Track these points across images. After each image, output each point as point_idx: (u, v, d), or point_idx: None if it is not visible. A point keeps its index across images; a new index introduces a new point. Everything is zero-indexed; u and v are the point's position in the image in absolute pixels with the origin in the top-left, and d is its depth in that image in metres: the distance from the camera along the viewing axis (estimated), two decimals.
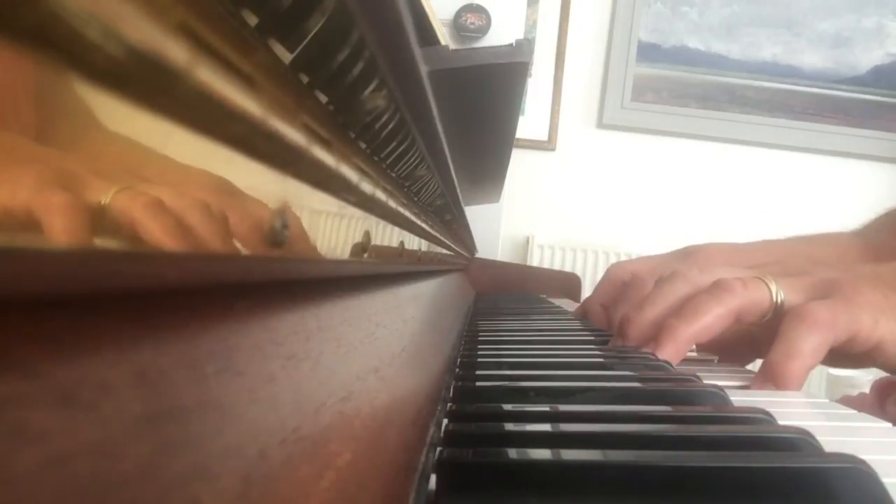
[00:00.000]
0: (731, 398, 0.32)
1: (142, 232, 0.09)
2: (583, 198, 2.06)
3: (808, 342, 0.41)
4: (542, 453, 0.22)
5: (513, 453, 0.22)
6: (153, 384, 0.10)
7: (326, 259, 0.20)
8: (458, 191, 0.60)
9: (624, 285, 0.62)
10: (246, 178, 0.13)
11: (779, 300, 0.46)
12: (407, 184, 0.37)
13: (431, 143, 0.35)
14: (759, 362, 0.44)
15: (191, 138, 0.11)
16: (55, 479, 0.07)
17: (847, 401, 0.49)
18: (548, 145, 2.03)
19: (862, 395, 0.66)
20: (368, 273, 0.32)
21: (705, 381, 0.35)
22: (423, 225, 0.44)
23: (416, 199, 0.42)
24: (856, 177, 2.05)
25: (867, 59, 2.05)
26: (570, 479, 0.20)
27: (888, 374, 0.54)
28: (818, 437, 0.24)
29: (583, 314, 0.74)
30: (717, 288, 0.47)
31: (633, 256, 1.38)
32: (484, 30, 1.89)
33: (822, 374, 1.71)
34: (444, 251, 0.67)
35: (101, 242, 0.09)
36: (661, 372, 0.39)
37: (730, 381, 0.43)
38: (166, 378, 0.10)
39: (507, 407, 0.29)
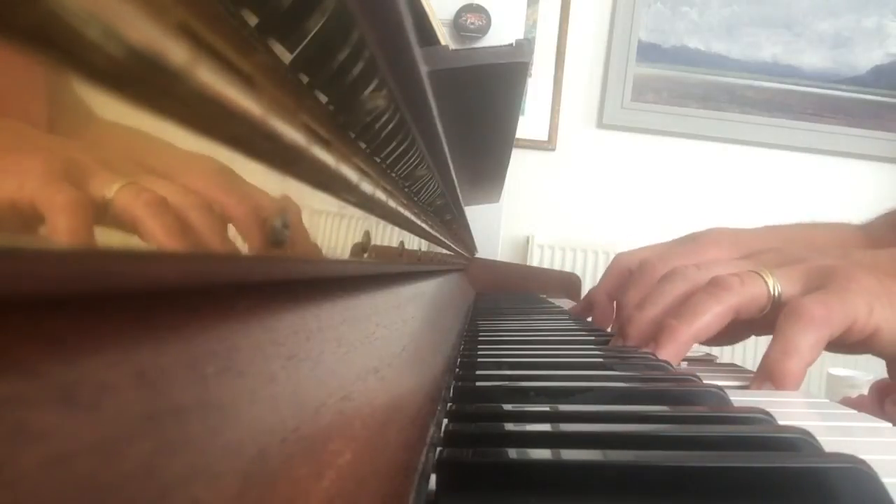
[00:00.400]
0: (732, 398, 0.32)
1: (142, 230, 0.09)
2: (583, 198, 2.06)
3: (805, 339, 0.41)
4: (542, 453, 0.22)
5: (513, 453, 0.22)
6: (153, 384, 0.10)
7: (326, 259, 0.20)
8: (458, 191, 0.60)
9: (631, 273, 0.62)
10: (245, 178, 0.13)
11: (776, 293, 0.46)
12: (407, 184, 0.37)
13: (431, 143, 0.35)
14: (758, 361, 0.44)
15: (190, 138, 0.11)
16: (55, 479, 0.07)
17: (846, 402, 0.49)
18: (548, 145, 2.03)
19: (861, 396, 0.66)
20: (368, 273, 0.32)
21: (705, 382, 0.35)
22: (423, 225, 0.44)
23: (416, 199, 0.42)
24: (856, 177, 2.05)
25: (867, 59, 2.05)
26: (570, 479, 0.20)
27: (886, 376, 0.55)
28: (818, 438, 0.24)
29: (587, 305, 0.74)
30: (714, 286, 0.47)
31: None
32: (484, 30, 1.89)
33: (822, 374, 1.71)
34: (444, 251, 0.67)
35: (103, 239, 0.09)
36: (661, 372, 0.39)
37: (730, 381, 0.43)
38: (166, 378, 0.10)
39: (507, 407, 0.29)
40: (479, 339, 0.56)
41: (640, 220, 2.03)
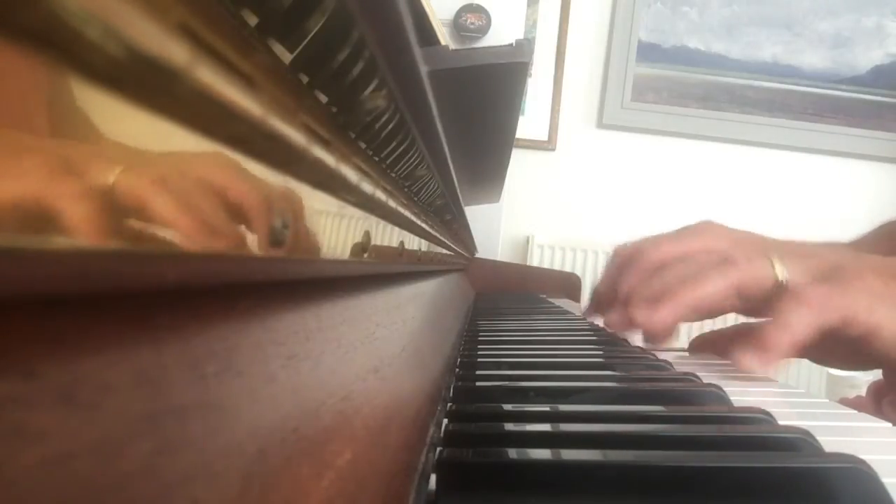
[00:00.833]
0: (732, 398, 0.32)
1: (141, 230, 0.09)
2: (583, 198, 2.06)
3: (799, 319, 0.43)
4: (542, 453, 0.22)
5: (513, 453, 0.22)
6: (153, 384, 0.10)
7: (326, 259, 0.20)
8: (458, 191, 0.60)
9: (631, 257, 0.63)
10: (246, 178, 0.13)
11: (783, 278, 0.47)
12: (407, 184, 0.37)
13: (431, 143, 0.35)
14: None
15: (190, 138, 0.11)
16: (55, 479, 0.07)
17: (844, 403, 0.49)
18: (548, 145, 2.03)
19: (859, 397, 0.66)
20: (368, 273, 0.32)
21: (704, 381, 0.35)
22: (423, 225, 0.44)
23: (416, 199, 0.42)
24: (856, 177, 2.05)
25: (867, 59, 2.05)
26: (570, 479, 0.20)
27: (884, 377, 0.55)
28: (818, 437, 0.24)
29: (593, 300, 0.74)
30: (721, 261, 0.49)
31: None
32: (484, 30, 1.89)
33: (823, 374, 1.71)
34: (444, 251, 0.67)
35: (103, 240, 0.09)
36: (661, 372, 0.39)
37: (730, 383, 0.43)
38: (166, 378, 0.10)
39: (507, 407, 0.29)
40: (479, 339, 0.56)
41: (641, 220, 2.03)
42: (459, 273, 1.09)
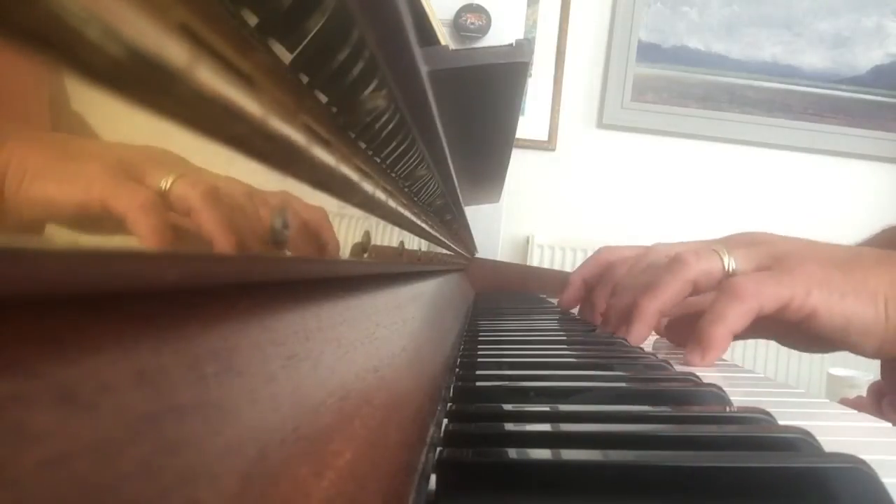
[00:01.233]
0: (732, 398, 0.32)
1: (141, 230, 0.09)
2: (583, 198, 2.06)
3: (731, 310, 0.46)
4: (542, 453, 0.22)
5: (513, 453, 0.22)
6: (153, 384, 0.10)
7: (326, 259, 0.20)
8: (458, 191, 0.60)
9: (609, 266, 0.68)
10: (246, 178, 0.13)
11: (730, 269, 0.51)
12: (407, 184, 0.37)
13: (431, 143, 0.35)
14: (760, 362, 0.45)
15: (190, 138, 0.11)
16: (55, 479, 0.07)
17: (844, 403, 0.49)
18: (548, 145, 2.03)
19: (859, 397, 0.66)
20: (368, 273, 0.32)
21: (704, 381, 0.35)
22: (423, 225, 0.44)
23: (416, 199, 0.42)
24: (856, 177, 2.05)
25: (867, 59, 2.05)
26: (570, 479, 0.20)
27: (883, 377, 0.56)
28: (818, 437, 0.24)
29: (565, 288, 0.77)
30: (674, 262, 0.53)
31: None
32: (484, 30, 1.89)
33: (823, 374, 1.71)
34: (444, 251, 0.67)
35: (103, 240, 0.09)
36: (661, 372, 0.39)
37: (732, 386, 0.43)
38: (166, 378, 0.10)
39: (507, 407, 0.29)
40: (479, 338, 0.56)
41: (640, 219, 2.03)
42: (459, 273, 1.09)
